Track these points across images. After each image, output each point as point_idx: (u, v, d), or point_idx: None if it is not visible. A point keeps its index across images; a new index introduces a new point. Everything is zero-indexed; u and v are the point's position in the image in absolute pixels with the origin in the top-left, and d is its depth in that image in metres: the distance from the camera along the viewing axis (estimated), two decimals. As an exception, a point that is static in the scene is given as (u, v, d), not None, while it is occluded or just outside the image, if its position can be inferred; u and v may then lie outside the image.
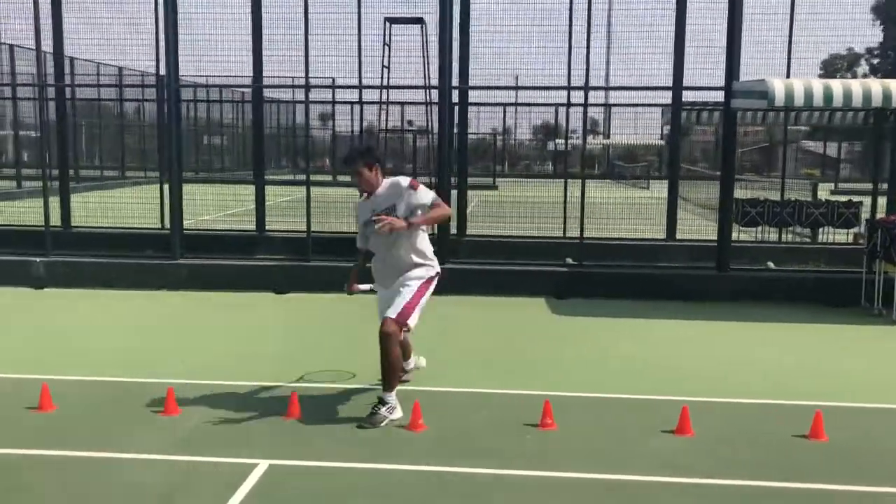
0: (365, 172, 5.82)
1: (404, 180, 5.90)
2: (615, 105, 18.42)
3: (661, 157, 34.66)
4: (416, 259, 5.93)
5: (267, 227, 13.31)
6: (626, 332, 8.85)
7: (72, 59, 18.28)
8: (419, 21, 15.42)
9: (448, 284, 8.75)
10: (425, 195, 5.86)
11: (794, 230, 15.04)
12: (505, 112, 24.83)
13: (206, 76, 19.02)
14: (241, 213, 16.19)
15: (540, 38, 13.04)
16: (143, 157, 29.28)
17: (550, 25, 12.90)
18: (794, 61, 13.02)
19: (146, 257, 11.40)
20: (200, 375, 6.83)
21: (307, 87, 11.52)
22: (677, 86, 12.82)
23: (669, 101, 13.55)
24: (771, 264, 11.68)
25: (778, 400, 6.45)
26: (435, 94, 12.21)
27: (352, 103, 16.34)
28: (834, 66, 37.91)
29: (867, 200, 13.84)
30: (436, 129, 12.17)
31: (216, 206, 16.55)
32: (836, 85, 9.62)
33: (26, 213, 13.64)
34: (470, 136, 15.38)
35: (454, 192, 12.09)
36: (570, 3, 12.00)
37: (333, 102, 18.12)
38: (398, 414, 5.80)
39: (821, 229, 14.58)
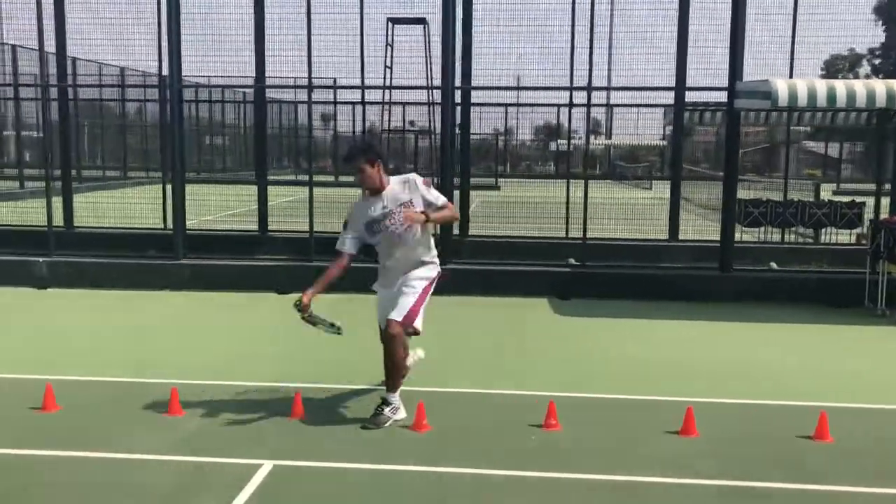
0: (367, 169, 5.65)
1: (417, 177, 5.83)
2: (617, 105, 18.42)
3: (662, 158, 34.63)
4: (424, 258, 5.86)
5: (269, 228, 13.31)
6: (630, 332, 8.84)
7: (74, 60, 18.29)
8: (422, 21, 15.45)
9: (451, 285, 8.77)
10: (437, 195, 5.81)
11: (796, 231, 15.03)
12: (507, 112, 24.80)
13: (209, 76, 19.03)
14: (244, 214, 16.19)
15: (542, 38, 13.05)
16: (145, 157, 29.31)
17: (553, 26, 12.91)
18: (796, 62, 13.04)
19: (149, 257, 11.41)
20: (204, 376, 6.83)
21: (310, 88, 11.51)
22: (680, 86, 12.81)
23: (672, 101, 13.55)
24: (774, 265, 11.68)
25: (782, 401, 6.44)
26: (438, 95, 12.21)
27: (354, 103, 16.38)
28: (836, 67, 37.91)
29: (869, 201, 13.83)
30: (438, 130, 12.17)
31: (218, 207, 16.54)
32: (840, 85, 9.61)
33: (29, 213, 13.64)
34: (472, 137, 15.38)
35: (457, 193, 12.07)
36: (573, 3, 12.01)
37: (335, 103, 18.14)
38: (402, 414, 5.80)
39: (822, 230, 14.57)
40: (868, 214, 13.57)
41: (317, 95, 14.30)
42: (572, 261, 11.46)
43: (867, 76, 38.83)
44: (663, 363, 7.56)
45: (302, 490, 4.71)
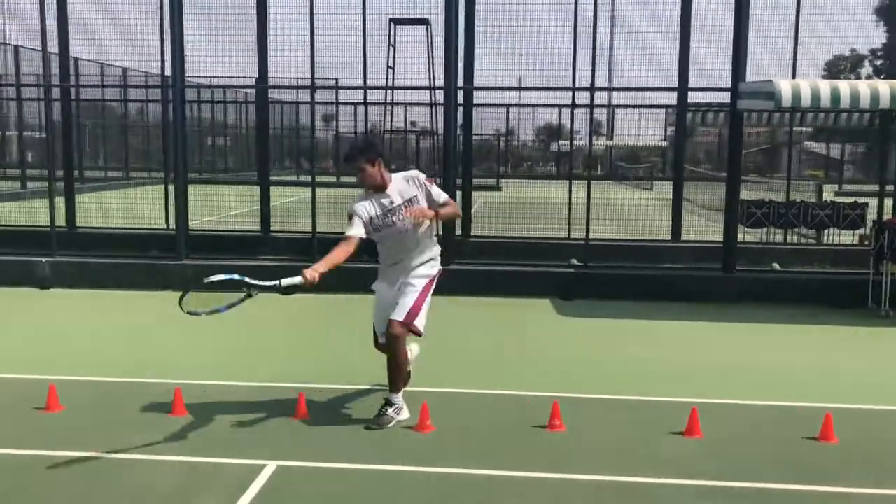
0: (368, 168, 5.59)
1: (420, 174, 5.80)
2: (619, 106, 18.43)
3: (664, 158, 34.62)
4: (427, 255, 5.84)
5: (271, 228, 13.31)
6: (633, 333, 8.83)
7: (76, 60, 18.29)
8: (424, 22, 15.43)
9: (453, 285, 8.76)
10: (439, 192, 5.81)
11: (799, 231, 15.01)
12: (508, 113, 24.83)
13: (211, 77, 19.02)
14: (246, 214, 16.20)
15: (544, 39, 13.04)
16: (147, 157, 29.32)
17: (555, 26, 12.90)
18: (798, 62, 13.03)
19: (151, 258, 11.40)
20: (207, 376, 6.83)
21: (312, 88, 11.51)
22: (683, 87, 12.81)
23: (674, 101, 13.55)
24: (776, 265, 11.66)
25: (786, 402, 6.43)
26: (440, 95, 12.21)
27: (356, 104, 16.37)
28: (838, 67, 37.88)
29: (871, 201, 13.81)
30: (440, 130, 12.17)
31: (220, 207, 16.55)
32: (844, 86, 9.59)
33: (31, 213, 13.65)
34: (474, 137, 15.37)
35: (459, 193, 12.07)
36: (575, 4, 11.99)
37: (337, 103, 18.16)
38: (405, 415, 5.79)
39: (825, 231, 14.56)
40: (871, 215, 13.55)
41: (319, 96, 14.32)
42: (575, 261, 11.45)
43: (869, 77, 38.83)
44: (666, 364, 7.54)
45: (306, 491, 4.70)
